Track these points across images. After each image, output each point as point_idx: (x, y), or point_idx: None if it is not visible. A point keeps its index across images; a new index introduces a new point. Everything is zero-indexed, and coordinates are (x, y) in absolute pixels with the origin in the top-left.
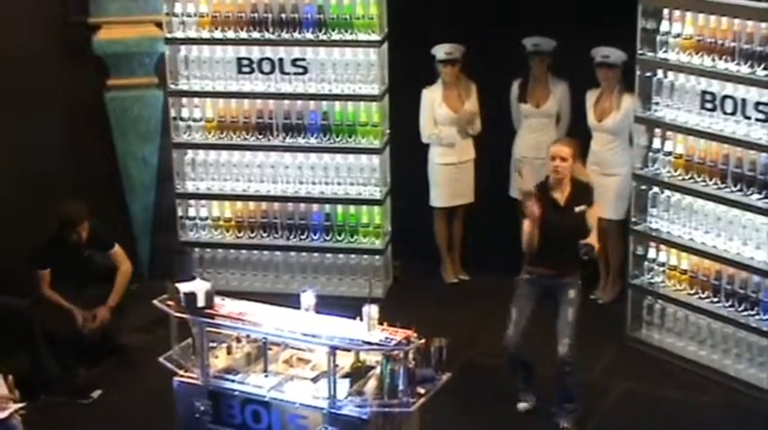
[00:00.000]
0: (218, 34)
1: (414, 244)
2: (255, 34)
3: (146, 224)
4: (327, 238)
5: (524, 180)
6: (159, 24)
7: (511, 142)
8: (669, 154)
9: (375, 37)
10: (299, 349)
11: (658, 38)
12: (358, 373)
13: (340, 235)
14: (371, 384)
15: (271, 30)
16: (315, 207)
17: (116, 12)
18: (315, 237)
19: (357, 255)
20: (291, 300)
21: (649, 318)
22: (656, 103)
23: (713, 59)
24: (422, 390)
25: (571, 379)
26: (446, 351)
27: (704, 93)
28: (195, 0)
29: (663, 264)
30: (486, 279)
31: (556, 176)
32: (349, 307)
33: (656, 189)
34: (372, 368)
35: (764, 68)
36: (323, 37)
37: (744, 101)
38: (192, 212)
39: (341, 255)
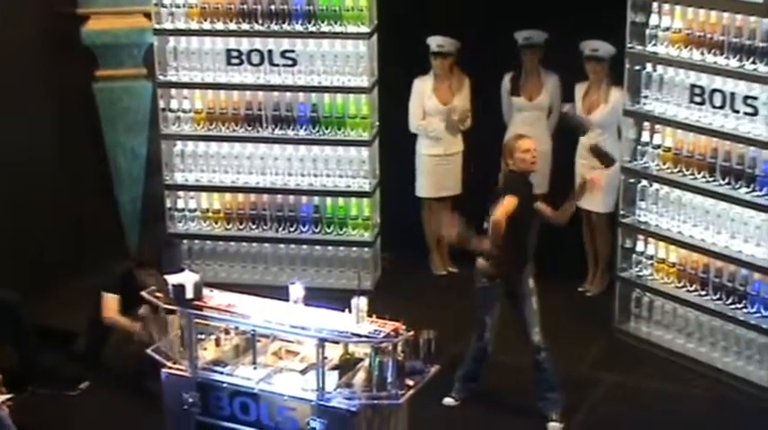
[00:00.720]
0: (207, 25)
1: (403, 236)
2: (245, 26)
3: (134, 215)
4: (316, 230)
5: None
6: (148, 15)
7: (501, 135)
8: (658, 147)
9: (364, 29)
10: (287, 341)
11: (648, 31)
12: (347, 365)
13: (329, 227)
14: (360, 376)
15: (260, 21)
16: (304, 199)
17: (105, 2)
18: (304, 229)
19: (346, 247)
20: (280, 292)
21: (637, 310)
22: (645, 97)
23: (702, 53)
24: (410, 382)
25: (549, 365)
26: (435, 343)
27: (693, 86)
28: None
29: (651, 257)
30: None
31: (533, 168)
32: (338, 299)
33: (644, 182)
34: (361, 360)
35: (753, 62)
36: (312, 29)
37: (732, 94)
38: (180, 204)
39: (330, 247)
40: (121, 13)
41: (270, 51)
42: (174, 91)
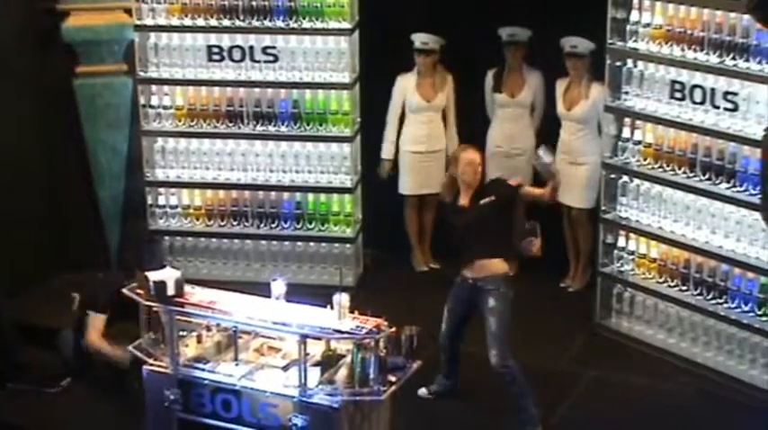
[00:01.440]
0: (188, 21)
1: (385, 232)
2: (226, 22)
3: (115, 212)
4: (298, 227)
5: None
6: (129, 11)
7: (485, 132)
8: (638, 143)
9: (346, 25)
10: (269, 338)
11: (628, 27)
12: (329, 362)
13: (311, 223)
14: (342, 373)
15: (241, 17)
16: (285, 195)
17: None
18: (285, 226)
19: (328, 243)
20: (262, 289)
21: (619, 306)
22: (626, 93)
23: (682, 49)
24: (393, 379)
25: (514, 388)
26: (417, 339)
27: (673, 82)
28: None
29: (632, 253)
30: (456, 268)
31: (475, 179)
32: (319, 295)
33: (625, 178)
34: (343, 356)
35: (733, 58)
36: (293, 25)
37: (713, 90)
38: (161, 200)
39: (311, 244)
40: (102, 9)
41: (251, 47)
42: (154, 87)
